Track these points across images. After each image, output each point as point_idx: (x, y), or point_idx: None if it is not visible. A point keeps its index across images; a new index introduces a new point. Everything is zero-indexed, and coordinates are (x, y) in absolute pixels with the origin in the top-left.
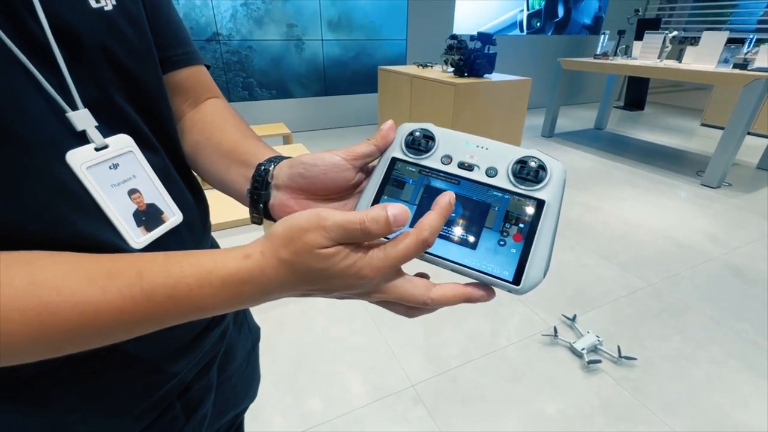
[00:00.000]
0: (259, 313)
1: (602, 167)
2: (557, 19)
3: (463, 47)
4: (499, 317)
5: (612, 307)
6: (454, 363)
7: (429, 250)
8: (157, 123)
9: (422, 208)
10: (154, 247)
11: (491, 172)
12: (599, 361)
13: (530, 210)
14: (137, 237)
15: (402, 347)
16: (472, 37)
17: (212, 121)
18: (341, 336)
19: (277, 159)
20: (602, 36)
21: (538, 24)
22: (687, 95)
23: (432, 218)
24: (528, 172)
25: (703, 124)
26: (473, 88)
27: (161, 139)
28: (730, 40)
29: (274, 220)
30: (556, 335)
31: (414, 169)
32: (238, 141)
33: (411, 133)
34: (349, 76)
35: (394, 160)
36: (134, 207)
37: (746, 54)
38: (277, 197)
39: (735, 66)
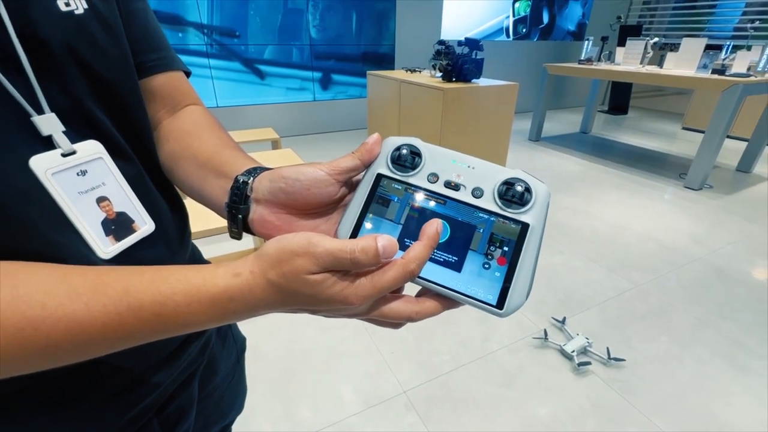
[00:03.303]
0: (248, 322)
1: (589, 171)
2: (542, 25)
3: (451, 52)
4: (489, 322)
5: (600, 309)
6: (445, 368)
7: None
8: (131, 130)
9: (408, 227)
10: (123, 257)
11: (477, 192)
12: (589, 363)
13: (515, 233)
14: (105, 246)
15: (393, 354)
16: (459, 43)
17: (190, 129)
18: (332, 344)
19: (257, 171)
20: (586, 42)
21: (524, 30)
22: (668, 100)
23: (419, 250)
24: (514, 194)
25: (684, 128)
26: (461, 92)
27: (135, 147)
28: (708, 47)
29: (255, 235)
30: (546, 338)
31: (400, 187)
32: (217, 151)
33: (398, 149)
34: (338, 80)
35: (379, 177)
36: (103, 215)
37: (724, 60)
38: (256, 212)
39: (713, 71)
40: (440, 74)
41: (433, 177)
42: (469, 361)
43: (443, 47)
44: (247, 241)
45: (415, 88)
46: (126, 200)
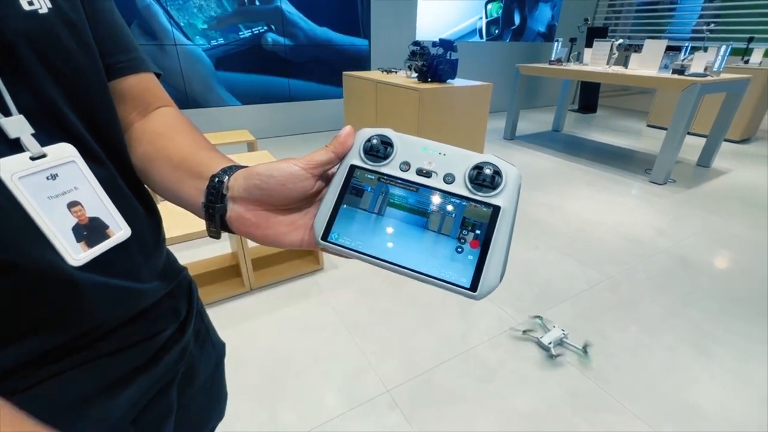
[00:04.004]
0: (228, 327)
1: (561, 168)
2: (514, 27)
3: (425, 53)
4: (470, 318)
5: (575, 301)
6: (427, 366)
7: (389, 259)
8: (102, 133)
9: (382, 216)
10: (97, 263)
11: (449, 178)
12: (565, 354)
13: (486, 216)
14: (76, 253)
15: (375, 353)
16: (434, 44)
17: (163, 131)
18: (313, 346)
19: (232, 169)
20: (556, 43)
21: (497, 31)
22: (634, 99)
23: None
24: (484, 179)
25: (648, 125)
26: (437, 93)
27: (107, 150)
28: (669, 48)
29: (233, 232)
30: (524, 332)
31: (373, 177)
32: (191, 152)
33: (369, 140)
34: (314, 80)
35: (353, 168)
36: (74, 221)
37: (683, 60)
38: (233, 210)
39: (674, 71)
40: (416, 75)
41: (406, 165)
42: (451, 357)
43: (418, 48)
44: (225, 245)
45: (391, 88)
46: (100, 205)
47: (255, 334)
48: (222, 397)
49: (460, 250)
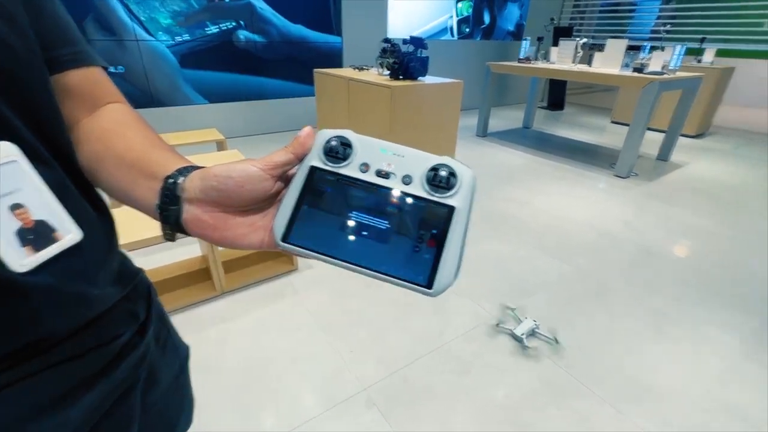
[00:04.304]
0: (197, 332)
1: (532, 163)
2: (484, 26)
3: (396, 50)
4: (445, 314)
5: (546, 293)
6: (403, 363)
7: (348, 259)
8: (44, 131)
9: (341, 217)
10: (46, 269)
11: (407, 179)
12: (537, 344)
13: (442, 217)
14: (21, 258)
15: (352, 352)
16: (404, 41)
17: (113, 128)
18: (288, 347)
19: (188, 170)
20: (524, 42)
21: (467, 29)
22: (599, 96)
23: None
24: (441, 180)
25: (612, 122)
26: (408, 90)
27: (52, 149)
28: (630, 47)
29: (189, 235)
30: (497, 324)
31: (332, 178)
32: (144, 150)
33: (329, 141)
34: (285, 78)
35: (312, 169)
36: (18, 224)
37: (642, 59)
38: (189, 212)
39: (634, 70)
40: (387, 72)
41: (365, 167)
42: (426, 353)
43: (389, 45)
44: (194, 248)
45: (363, 86)
46: (46, 207)
47: (229, 338)
48: (187, 403)
49: (417, 249)
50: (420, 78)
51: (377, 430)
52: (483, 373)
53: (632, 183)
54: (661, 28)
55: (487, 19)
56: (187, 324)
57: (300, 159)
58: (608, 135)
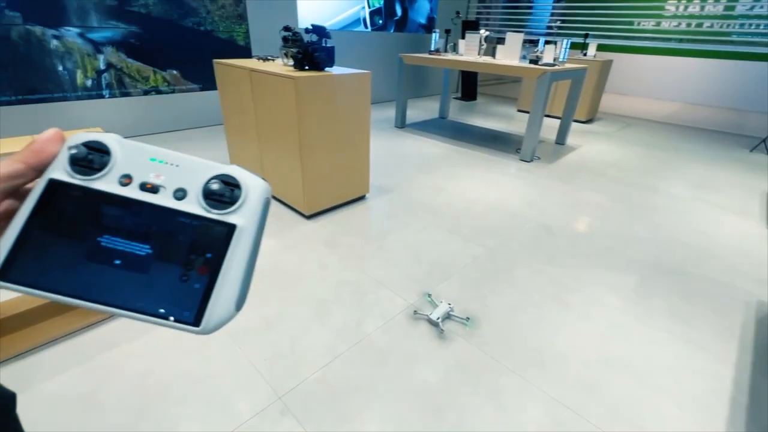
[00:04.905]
0: (84, 362)
1: (447, 152)
2: (397, 18)
3: (299, 39)
4: (364, 305)
5: (460, 275)
6: (322, 362)
7: (88, 296)
8: None
9: (88, 243)
10: None
11: (180, 194)
12: (452, 327)
13: (220, 237)
14: None
15: (266, 360)
16: (306, 30)
17: None
18: (193, 368)
19: None
20: (434, 34)
21: (380, 21)
22: (507, 87)
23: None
24: (222, 194)
25: (518, 110)
26: (314, 81)
27: None
28: (528, 41)
29: None
30: (415, 312)
31: (80, 194)
32: None
33: (76, 147)
34: (186, 69)
35: (52, 184)
36: None
37: (537, 52)
38: None
39: (531, 62)
40: (292, 62)
41: (126, 179)
42: (346, 349)
43: (290, 34)
44: None
45: (266, 77)
46: None
47: (117, 367)
48: None
49: (185, 278)
50: (327, 69)
51: None
52: (401, 361)
53: (535, 166)
54: (554, 24)
55: (399, 11)
56: (67, 355)
57: (37, 170)
58: (515, 123)
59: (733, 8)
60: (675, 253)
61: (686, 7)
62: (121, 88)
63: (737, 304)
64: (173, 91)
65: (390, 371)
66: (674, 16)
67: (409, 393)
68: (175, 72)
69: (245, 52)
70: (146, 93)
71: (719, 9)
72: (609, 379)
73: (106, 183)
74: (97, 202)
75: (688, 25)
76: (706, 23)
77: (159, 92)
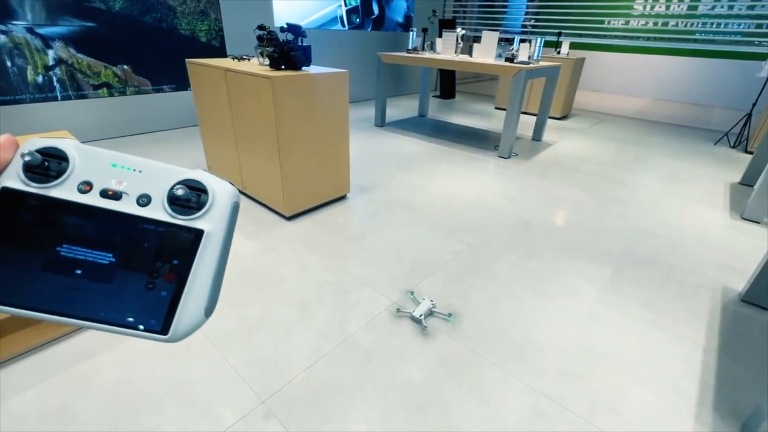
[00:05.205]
0: (54, 376)
1: (427, 150)
2: (374, 16)
3: (274, 38)
4: (346, 305)
5: (442, 272)
6: (306, 364)
7: (48, 307)
8: None
9: (46, 254)
10: None
11: (143, 200)
12: (434, 324)
13: (187, 243)
14: None
15: (248, 365)
16: (282, 28)
17: None
18: (173, 374)
19: None
20: (411, 33)
21: (358, 20)
22: (484, 85)
23: None
24: (188, 199)
25: (496, 108)
26: (291, 81)
27: None
28: (503, 39)
29: None
30: (398, 310)
31: (36, 202)
32: None
33: (31, 154)
34: (158, 69)
35: (5, 192)
36: None
37: (512, 50)
38: None
39: (506, 60)
40: (268, 62)
41: (86, 185)
42: (330, 350)
43: (265, 33)
44: None
45: (242, 77)
46: None
47: (91, 377)
48: None
49: (151, 286)
50: (304, 68)
51: None
52: (385, 360)
53: (513, 162)
54: (528, 23)
55: (376, 9)
56: (36, 369)
57: None
58: (493, 120)
59: (695, 8)
60: (646, 243)
61: (653, 7)
62: (73, 83)
63: (704, 290)
64: (125, 88)
65: (374, 370)
66: (642, 15)
67: (393, 391)
68: (126, 67)
69: (210, 49)
70: (97, 88)
71: (683, 8)
72: (587, 367)
73: (64, 190)
74: (55, 210)
75: (655, 24)
76: (672, 22)
77: (112, 89)
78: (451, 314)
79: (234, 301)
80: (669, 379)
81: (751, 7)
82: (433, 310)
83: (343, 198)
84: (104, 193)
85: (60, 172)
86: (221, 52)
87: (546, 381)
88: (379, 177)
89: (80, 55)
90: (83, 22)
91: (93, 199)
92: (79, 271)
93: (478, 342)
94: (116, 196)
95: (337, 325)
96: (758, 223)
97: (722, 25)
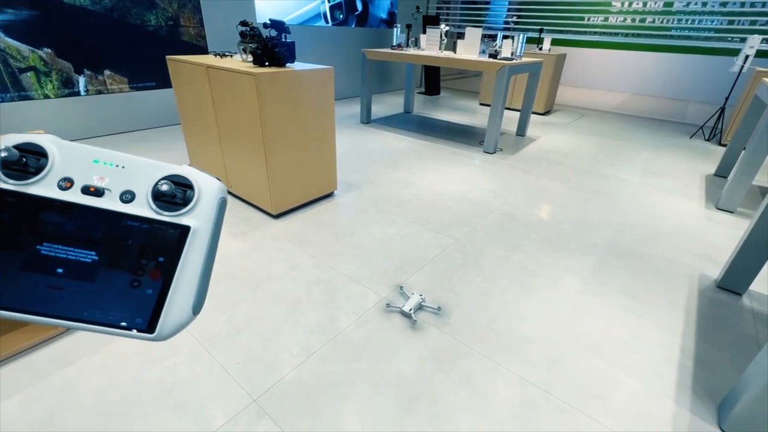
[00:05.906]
0: (38, 382)
1: (413, 146)
2: (357, 13)
3: (257, 34)
4: (336, 302)
5: (431, 266)
6: (297, 361)
7: (28, 308)
8: None
9: (26, 253)
10: None
11: (127, 196)
12: (424, 318)
13: (172, 240)
14: None
15: (238, 363)
16: (265, 24)
17: None
18: (161, 377)
19: None
20: (396, 29)
21: (341, 16)
22: (468, 81)
23: None
24: (173, 195)
25: (480, 104)
26: (275, 77)
27: None
28: (487, 36)
29: None
30: (388, 305)
31: (14, 200)
32: None
33: (7, 150)
34: (138, 66)
35: None
36: None
37: (496, 46)
38: None
39: (490, 56)
40: (251, 58)
41: (66, 182)
42: (320, 346)
43: (247, 29)
44: None
45: (225, 74)
46: None
47: (76, 384)
48: None
49: (136, 284)
50: (288, 65)
51: None
52: (376, 355)
53: (498, 157)
54: (510, 19)
55: (359, 5)
56: (18, 376)
57: None
58: (478, 116)
59: (671, 4)
60: (626, 234)
61: (630, 4)
62: (7, 68)
63: (682, 278)
64: (49, 71)
65: (365, 365)
66: (620, 12)
67: (385, 385)
68: (49, 50)
69: (156, 39)
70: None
71: (659, 5)
72: (572, 356)
73: (43, 187)
74: (35, 207)
75: (633, 20)
76: (649, 19)
77: (74, 91)
78: (440, 308)
79: (223, 300)
80: (650, 364)
81: (723, 4)
82: (423, 304)
83: (330, 195)
84: (86, 190)
85: (39, 169)
86: (204, 50)
87: (534, 370)
88: (366, 174)
89: (9, 39)
90: (25, 9)
91: (74, 196)
92: (60, 270)
93: (467, 334)
94: (98, 192)
95: (327, 322)
96: (732, 212)
97: (696, 22)
